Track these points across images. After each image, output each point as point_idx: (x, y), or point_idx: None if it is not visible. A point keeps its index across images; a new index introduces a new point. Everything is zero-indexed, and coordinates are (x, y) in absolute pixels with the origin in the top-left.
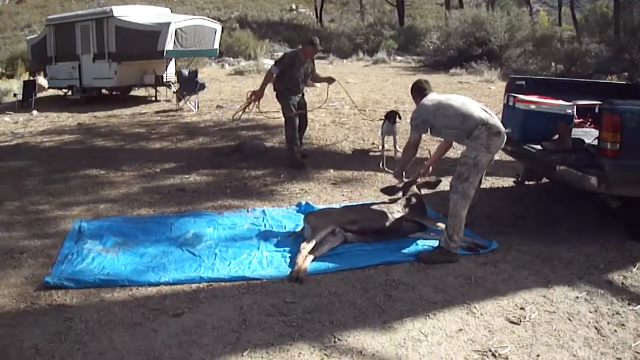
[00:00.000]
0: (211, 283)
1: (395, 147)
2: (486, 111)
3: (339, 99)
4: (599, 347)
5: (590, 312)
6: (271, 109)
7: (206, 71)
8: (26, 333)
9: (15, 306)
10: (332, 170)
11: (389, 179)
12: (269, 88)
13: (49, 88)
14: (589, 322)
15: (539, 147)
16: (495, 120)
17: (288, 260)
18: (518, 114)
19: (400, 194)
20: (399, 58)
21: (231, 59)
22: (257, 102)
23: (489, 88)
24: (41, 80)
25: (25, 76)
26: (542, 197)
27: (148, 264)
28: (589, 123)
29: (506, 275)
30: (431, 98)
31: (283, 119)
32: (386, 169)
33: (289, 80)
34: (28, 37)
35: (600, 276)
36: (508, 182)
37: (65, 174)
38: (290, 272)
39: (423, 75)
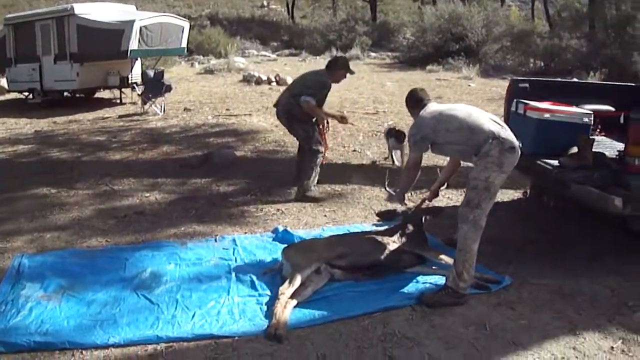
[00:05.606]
0: (171, 343)
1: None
2: (497, 122)
3: None
4: None
5: None
6: (241, 111)
7: (175, 70)
8: None
9: None
10: None
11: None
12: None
13: (9, 91)
14: None
15: (554, 162)
16: (508, 132)
17: (265, 307)
18: (530, 124)
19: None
20: (373, 54)
21: (201, 57)
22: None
23: (469, 85)
24: (3, 82)
25: None
26: (553, 216)
27: (96, 316)
28: (598, 130)
29: (525, 320)
30: (431, 110)
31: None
32: (389, 189)
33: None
34: None
35: (631, 316)
36: (508, 195)
37: (12, 194)
38: (268, 327)
39: (399, 72)
